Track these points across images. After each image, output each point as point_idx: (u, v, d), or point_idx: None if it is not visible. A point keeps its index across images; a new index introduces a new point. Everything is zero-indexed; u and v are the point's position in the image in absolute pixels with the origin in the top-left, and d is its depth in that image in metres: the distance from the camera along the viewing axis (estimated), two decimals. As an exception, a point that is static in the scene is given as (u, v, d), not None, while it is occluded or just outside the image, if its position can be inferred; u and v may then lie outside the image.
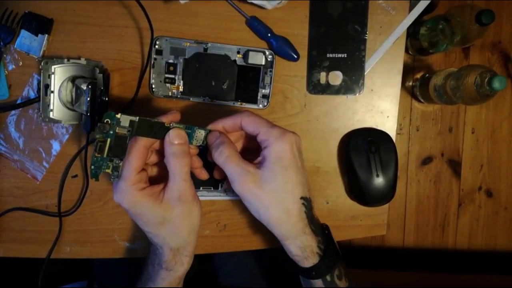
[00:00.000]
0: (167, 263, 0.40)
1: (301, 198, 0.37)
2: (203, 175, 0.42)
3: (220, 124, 0.39)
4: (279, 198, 0.37)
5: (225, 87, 0.47)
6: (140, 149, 0.36)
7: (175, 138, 0.37)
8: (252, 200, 0.37)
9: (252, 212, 0.38)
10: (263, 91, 0.48)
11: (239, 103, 0.48)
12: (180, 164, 0.37)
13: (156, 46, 0.46)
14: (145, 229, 0.39)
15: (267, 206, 0.37)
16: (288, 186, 0.37)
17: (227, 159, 0.37)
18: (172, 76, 0.47)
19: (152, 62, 0.46)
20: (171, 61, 0.47)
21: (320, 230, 0.39)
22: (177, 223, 0.39)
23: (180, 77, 0.47)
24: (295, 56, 0.47)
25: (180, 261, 0.40)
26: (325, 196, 0.51)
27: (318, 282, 0.39)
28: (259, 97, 0.48)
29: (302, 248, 0.38)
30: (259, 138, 0.38)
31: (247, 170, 0.36)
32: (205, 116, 0.48)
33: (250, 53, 0.47)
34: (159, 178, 0.40)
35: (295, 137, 0.37)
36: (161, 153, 0.38)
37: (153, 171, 0.41)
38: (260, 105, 0.48)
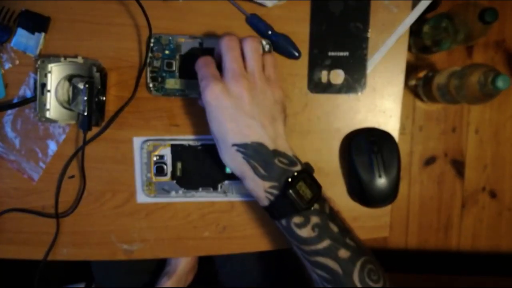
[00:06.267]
0: None
1: (234, 145, 0.38)
2: None
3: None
4: (217, 142, 0.39)
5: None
6: None
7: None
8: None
9: None
10: None
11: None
12: None
13: (151, 44, 0.45)
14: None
15: (218, 149, 0.40)
16: (219, 133, 0.38)
17: None
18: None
19: (148, 61, 0.46)
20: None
21: (278, 176, 0.38)
22: None
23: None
24: (297, 54, 0.47)
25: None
26: (326, 197, 0.50)
27: (277, 224, 0.40)
28: None
29: (249, 190, 0.39)
30: None
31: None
32: (204, 112, 0.47)
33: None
34: None
35: (218, 87, 0.37)
36: None
37: None
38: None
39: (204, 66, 0.39)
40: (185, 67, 0.46)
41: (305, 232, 0.37)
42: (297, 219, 0.37)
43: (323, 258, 0.37)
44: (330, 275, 0.37)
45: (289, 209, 0.37)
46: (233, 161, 0.39)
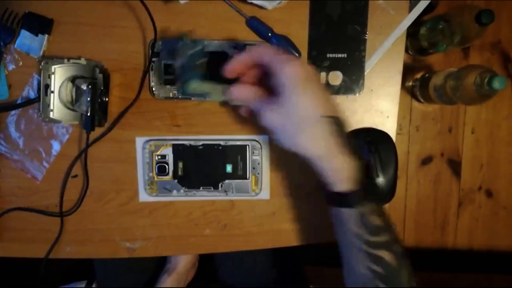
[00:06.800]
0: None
1: (324, 116, 0.36)
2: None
3: (237, 62, 0.40)
4: (300, 120, 0.37)
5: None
6: None
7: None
8: (279, 129, 0.37)
9: (282, 144, 0.38)
10: None
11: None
12: None
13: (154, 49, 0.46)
14: None
15: (294, 132, 0.37)
16: (305, 108, 0.36)
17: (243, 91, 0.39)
18: (171, 77, 0.47)
19: (151, 65, 0.46)
20: (169, 62, 0.46)
21: (362, 158, 0.38)
22: None
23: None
24: (297, 54, 0.47)
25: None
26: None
27: (349, 212, 0.37)
28: None
29: (336, 169, 0.37)
30: (270, 67, 0.38)
31: (266, 103, 0.38)
32: (206, 115, 0.48)
33: (247, 47, 0.46)
34: None
35: (303, 63, 0.37)
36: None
37: None
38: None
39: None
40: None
41: (377, 221, 0.37)
42: (373, 206, 0.37)
43: (384, 252, 0.37)
44: (386, 270, 0.37)
45: (370, 194, 0.37)
46: (320, 138, 0.37)
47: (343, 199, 0.38)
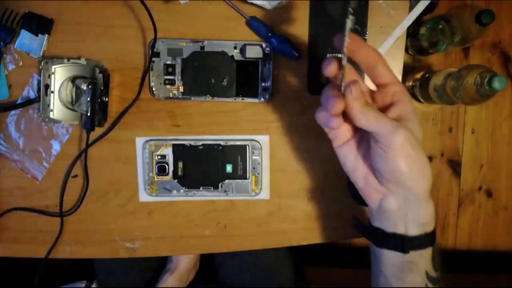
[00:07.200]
0: None
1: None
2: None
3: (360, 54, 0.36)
4: (423, 155, 0.35)
5: (225, 83, 0.47)
6: None
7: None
8: (400, 156, 0.34)
9: (392, 171, 0.34)
10: (264, 84, 0.48)
11: (240, 98, 0.48)
12: None
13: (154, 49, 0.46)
14: None
15: (419, 164, 0.35)
16: (421, 146, 0.35)
17: (378, 114, 0.34)
18: (172, 77, 0.47)
19: (150, 65, 0.46)
20: (169, 62, 0.47)
21: None
22: None
23: (179, 77, 0.47)
24: (296, 54, 0.47)
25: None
26: (326, 196, 0.51)
27: (427, 252, 0.36)
28: (260, 91, 0.48)
29: (431, 207, 0.36)
30: (390, 89, 0.35)
31: (396, 125, 0.33)
32: (206, 115, 0.48)
33: (247, 47, 0.47)
34: None
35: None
36: None
37: None
38: (262, 99, 0.48)
39: None
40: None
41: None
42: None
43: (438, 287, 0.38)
44: None
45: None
46: (431, 176, 0.36)
47: (427, 239, 0.37)
